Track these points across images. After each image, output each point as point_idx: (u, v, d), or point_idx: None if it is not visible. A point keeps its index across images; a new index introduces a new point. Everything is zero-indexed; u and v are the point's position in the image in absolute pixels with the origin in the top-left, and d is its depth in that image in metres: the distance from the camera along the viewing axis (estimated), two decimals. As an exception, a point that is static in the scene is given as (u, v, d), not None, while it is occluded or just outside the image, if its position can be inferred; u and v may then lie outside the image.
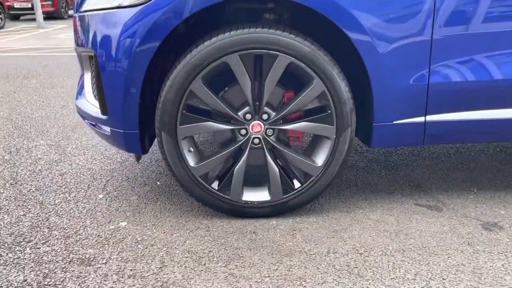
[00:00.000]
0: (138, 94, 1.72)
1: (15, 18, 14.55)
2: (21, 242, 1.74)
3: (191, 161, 1.80)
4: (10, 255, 1.66)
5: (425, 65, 1.73)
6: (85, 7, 1.89)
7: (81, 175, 2.37)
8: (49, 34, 10.04)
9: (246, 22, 1.70)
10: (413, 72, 1.74)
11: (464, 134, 1.90)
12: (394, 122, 1.81)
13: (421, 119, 1.81)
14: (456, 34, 1.71)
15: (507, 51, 1.75)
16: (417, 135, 1.84)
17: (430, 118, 1.81)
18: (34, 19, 12.68)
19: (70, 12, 15.09)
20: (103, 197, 2.12)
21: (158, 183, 2.27)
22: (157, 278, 1.51)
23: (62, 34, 10.11)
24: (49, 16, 13.98)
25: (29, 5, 13.41)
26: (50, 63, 6.03)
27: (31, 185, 2.26)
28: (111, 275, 1.53)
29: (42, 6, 12.64)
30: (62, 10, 14.45)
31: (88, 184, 2.26)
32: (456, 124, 1.83)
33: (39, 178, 2.35)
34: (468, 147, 2.71)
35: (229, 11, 1.93)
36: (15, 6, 13.80)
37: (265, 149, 1.82)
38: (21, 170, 2.46)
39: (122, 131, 1.81)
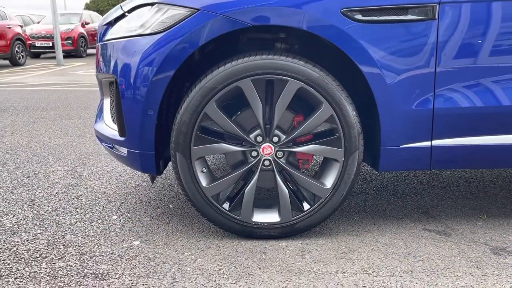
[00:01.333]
0: (155, 116, 1.81)
1: (36, 56, 15.11)
2: (38, 257, 1.79)
3: (203, 181, 1.86)
4: (26, 269, 1.71)
5: (430, 92, 1.80)
6: (108, 36, 2.02)
7: (96, 198, 2.44)
8: (68, 71, 10.40)
9: (259, 50, 1.81)
10: (419, 98, 1.81)
11: (470, 159, 1.94)
12: (401, 146, 1.86)
13: (427, 143, 1.86)
14: (459, 65, 1.79)
15: (509, 79, 1.82)
16: (424, 160, 1.89)
17: (436, 142, 1.86)
18: (54, 57, 13.18)
19: (89, 51, 15.64)
20: (117, 218, 2.18)
21: (170, 206, 2.33)
22: (168, 293, 1.54)
23: (81, 70, 10.46)
24: (69, 55, 14.50)
25: (50, 44, 13.96)
26: (68, 97, 6.24)
27: (48, 206, 2.33)
28: (124, 289, 1.57)
29: (62, 45, 13.16)
30: (81, 49, 14.98)
31: (103, 206, 2.33)
32: (462, 149, 1.87)
33: (55, 200, 2.42)
34: (477, 177, 2.74)
35: (242, 41, 2.04)
36: (36, 45, 14.37)
37: (275, 171, 1.87)
38: (39, 192, 2.54)
39: (138, 152, 1.89)
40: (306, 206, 1.90)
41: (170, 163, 2.20)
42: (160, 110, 1.83)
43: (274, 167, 1.87)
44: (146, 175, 2.72)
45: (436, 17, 1.74)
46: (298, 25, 1.73)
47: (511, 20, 1.77)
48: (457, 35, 1.76)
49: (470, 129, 1.86)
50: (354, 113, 1.81)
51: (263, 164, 1.87)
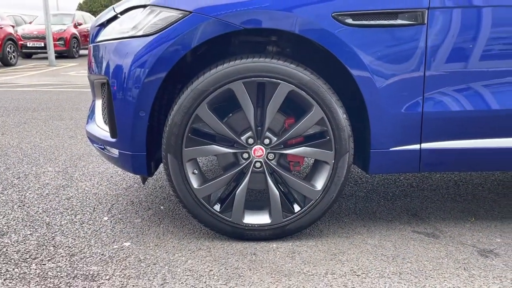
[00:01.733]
0: (147, 118, 1.82)
1: (28, 56, 15.00)
2: (27, 258, 1.79)
3: (194, 183, 1.87)
4: (16, 270, 1.70)
5: (419, 95, 1.83)
6: (100, 38, 2.02)
7: (87, 199, 2.44)
8: (59, 72, 10.35)
9: (250, 53, 1.82)
10: (408, 102, 1.83)
11: (459, 162, 1.97)
12: (391, 149, 1.88)
13: (416, 146, 1.88)
14: (447, 69, 1.81)
15: (497, 83, 1.85)
16: (413, 162, 1.91)
17: (425, 145, 1.89)
18: (46, 58, 13.10)
19: (81, 51, 15.57)
20: (108, 219, 2.18)
21: (161, 207, 2.33)
22: (158, 294, 1.55)
23: (73, 71, 10.41)
24: (61, 55, 14.42)
25: (42, 44, 13.88)
26: (59, 98, 6.21)
27: (38, 207, 2.33)
28: (114, 290, 1.57)
29: (55, 45, 13.09)
30: (74, 49, 14.90)
31: (94, 207, 2.32)
32: (451, 152, 1.90)
33: (46, 201, 2.41)
34: (466, 180, 2.77)
35: (234, 43, 2.05)
36: (28, 45, 14.26)
37: (266, 173, 1.89)
38: (29, 194, 2.52)
39: (130, 153, 1.89)
40: (296, 208, 1.92)
41: (161, 165, 2.20)
42: (151, 112, 1.84)
43: (265, 169, 1.89)
44: (138, 176, 2.72)
45: (425, 22, 1.76)
46: (290, 28, 1.75)
47: (499, 25, 1.80)
48: (445, 40, 1.79)
49: (459, 132, 1.88)
50: (345, 116, 1.83)
51: (254, 166, 1.88)
